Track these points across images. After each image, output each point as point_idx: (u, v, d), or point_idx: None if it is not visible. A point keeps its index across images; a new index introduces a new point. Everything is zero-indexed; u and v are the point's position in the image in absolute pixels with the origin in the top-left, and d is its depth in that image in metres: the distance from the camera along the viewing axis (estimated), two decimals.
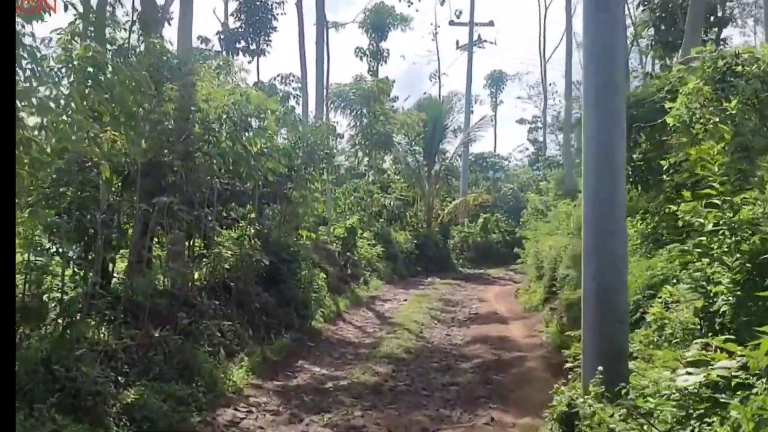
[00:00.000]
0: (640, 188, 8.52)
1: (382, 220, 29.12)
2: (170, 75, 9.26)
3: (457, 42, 38.92)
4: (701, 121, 6.18)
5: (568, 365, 6.97)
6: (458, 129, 34.94)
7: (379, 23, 34.51)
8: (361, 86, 26.44)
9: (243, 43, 29.82)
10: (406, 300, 17.54)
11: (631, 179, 8.52)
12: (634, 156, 8.41)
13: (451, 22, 38.42)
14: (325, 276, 15.72)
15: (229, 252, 10.54)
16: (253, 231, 12.08)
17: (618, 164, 5.73)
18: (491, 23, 37.22)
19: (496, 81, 46.57)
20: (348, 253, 20.08)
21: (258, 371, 8.57)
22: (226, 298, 10.17)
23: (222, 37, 29.80)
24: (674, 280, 6.74)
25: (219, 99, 10.01)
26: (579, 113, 33.75)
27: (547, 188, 23.57)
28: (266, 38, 29.92)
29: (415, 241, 26.15)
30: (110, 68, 6.12)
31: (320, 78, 24.61)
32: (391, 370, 9.21)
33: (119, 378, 6.43)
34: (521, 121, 47.36)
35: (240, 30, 29.86)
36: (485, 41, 38.40)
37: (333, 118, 26.06)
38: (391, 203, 29.43)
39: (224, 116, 10.10)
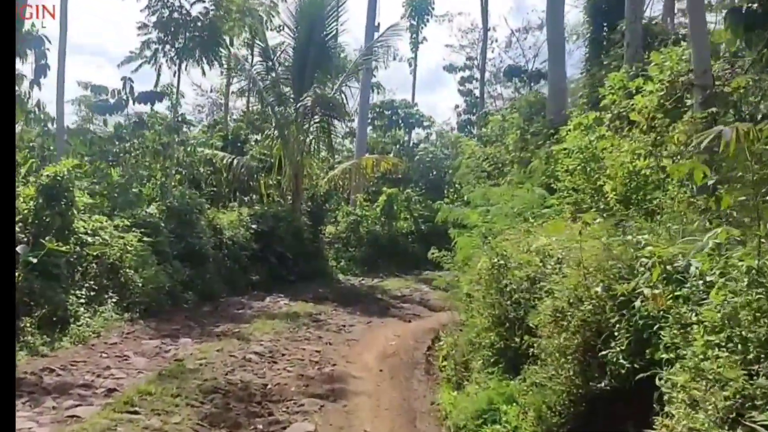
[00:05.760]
0: None
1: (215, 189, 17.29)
2: None
3: None
4: None
5: None
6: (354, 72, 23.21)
7: None
8: None
9: None
10: (116, 390, 5.85)
11: None
12: None
13: None
14: None
15: None
16: None
17: None
18: None
19: (420, 10, 34.20)
20: (33, 245, 8.12)
21: None
22: None
23: None
24: None
25: None
26: None
27: (503, 127, 11.82)
28: None
29: (255, 227, 14.28)
30: None
31: None
32: None
33: None
34: (450, 69, 35.08)
35: None
36: None
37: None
38: (238, 164, 17.48)
39: None
